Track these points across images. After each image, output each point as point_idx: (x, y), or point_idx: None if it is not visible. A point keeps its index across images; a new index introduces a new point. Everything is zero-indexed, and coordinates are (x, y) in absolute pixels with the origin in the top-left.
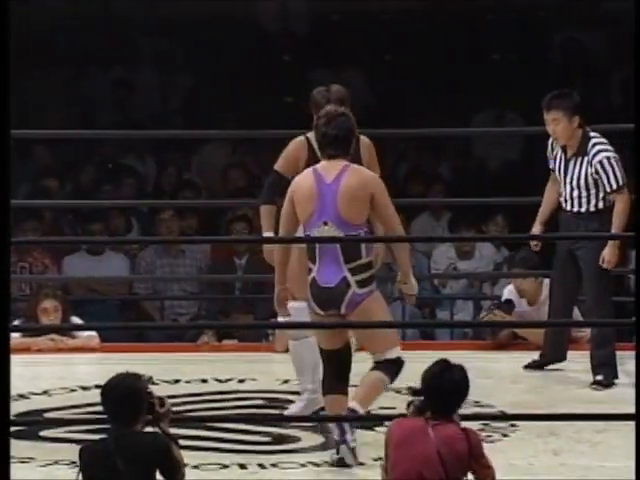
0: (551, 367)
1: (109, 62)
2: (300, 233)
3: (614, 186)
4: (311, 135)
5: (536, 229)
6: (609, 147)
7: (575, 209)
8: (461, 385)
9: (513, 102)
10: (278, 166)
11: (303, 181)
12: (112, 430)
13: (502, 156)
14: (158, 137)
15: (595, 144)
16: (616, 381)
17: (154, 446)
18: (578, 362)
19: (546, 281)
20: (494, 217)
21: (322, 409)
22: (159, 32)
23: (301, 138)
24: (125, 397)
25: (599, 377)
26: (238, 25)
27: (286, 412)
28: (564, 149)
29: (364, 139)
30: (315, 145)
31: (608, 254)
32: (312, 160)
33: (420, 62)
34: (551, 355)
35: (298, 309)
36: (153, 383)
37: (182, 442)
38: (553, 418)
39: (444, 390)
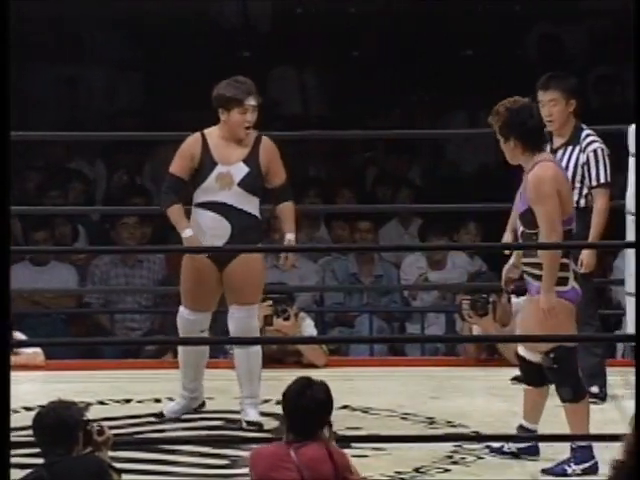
0: None
1: (53, 58)
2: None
3: (601, 179)
4: (208, 131)
5: (507, 237)
6: (602, 142)
7: None
8: (323, 404)
9: (488, 101)
10: (172, 169)
11: (559, 174)
12: (45, 458)
13: (476, 159)
14: (108, 139)
15: (588, 134)
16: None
17: (88, 472)
18: None
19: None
20: (467, 224)
21: (201, 406)
22: (108, 27)
23: (196, 135)
24: (55, 428)
25: (594, 389)
26: (194, 19)
27: (164, 410)
28: (550, 140)
29: (266, 139)
30: (211, 140)
31: (586, 257)
32: (206, 156)
33: (388, 58)
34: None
35: (189, 320)
36: (102, 403)
37: (132, 466)
38: (531, 439)
39: (305, 410)
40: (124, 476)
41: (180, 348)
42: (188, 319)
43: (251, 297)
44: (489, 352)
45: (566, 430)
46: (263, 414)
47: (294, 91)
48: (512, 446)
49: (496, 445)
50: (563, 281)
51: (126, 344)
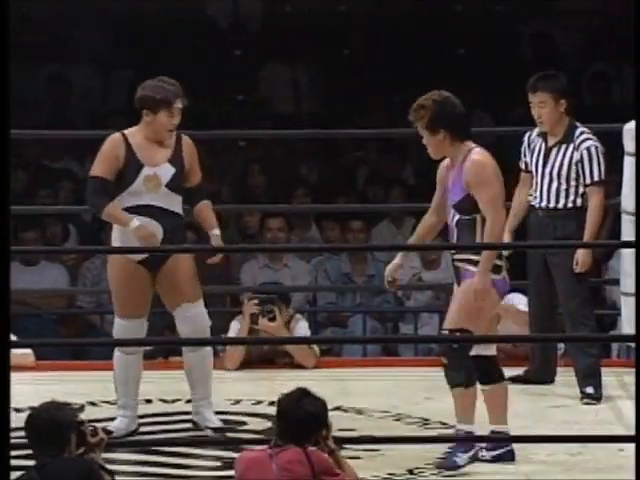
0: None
1: (41, 57)
2: None
3: (595, 177)
4: (129, 132)
5: (505, 238)
6: (597, 139)
7: (551, 204)
8: (316, 417)
9: (481, 100)
10: (96, 172)
11: (494, 161)
12: (36, 460)
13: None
14: (98, 138)
15: (582, 132)
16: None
17: (79, 473)
18: (559, 376)
19: (510, 296)
20: None
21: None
22: (98, 26)
23: (117, 135)
24: (47, 430)
25: (589, 389)
26: (185, 17)
27: (111, 427)
28: (545, 138)
29: (186, 138)
30: (134, 141)
31: (582, 256)
32: (131, 158)
33: (380, 57)
34: (536, 374)
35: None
36: (93, 404)
37: (123, 468)
38: (525, 440)
39: (298, 420)
40: (117, 478)
41: (121, 364)
42: (127, 326)
43: (195, 293)
44: None
45: (561, 431)
46: (256, 415)
47: (285, 89)
48: (486, 454)
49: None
50: (497, 269)
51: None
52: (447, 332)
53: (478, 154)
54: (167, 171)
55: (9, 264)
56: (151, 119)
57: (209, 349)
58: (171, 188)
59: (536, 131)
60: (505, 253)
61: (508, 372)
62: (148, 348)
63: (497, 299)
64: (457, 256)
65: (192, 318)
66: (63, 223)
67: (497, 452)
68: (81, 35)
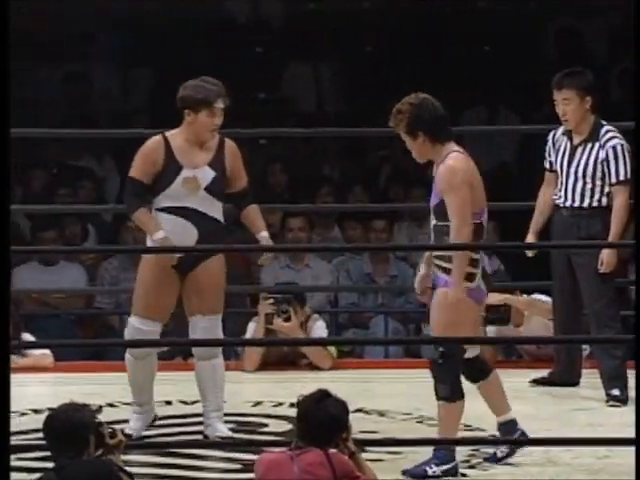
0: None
1: (61, 56)
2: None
3: (621, 176)
4: (170, 134)
5: (530, 239)
6: (622, 137)
7: (576, 204)
8: (337, 419)
9: (507, 98)
10: (133, 173)
11: (471, 165)
12: (55, 462)
13: (495, 157)
14: (118, 137)
15: (608, 130)
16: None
17: (98, 476)
18: (584, 378)
19: (533, 296)
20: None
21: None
22: (117, 24)
23: (158, 137)
24: (65, 431)
25: (615, 391)
26: (206, 15)
27: (127, 429)
28: (570, 137)
29: (229, 142)
30: (175, 143)
31: (607, 256)
32: (171, 160)
33: (404, 54)
34: (561, 376)
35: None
36: (111, 405)
37: (142, 470)
38: (550, 443)
39: (319, 423)
40: None
41: (132, 368)
42: (140, 329)
43: (214, 306)
44: (505, 354)
45: (586, 433)
46: (277, 416)
47: (308, 87)
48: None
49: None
50: (470, 277)
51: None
52: (433, 347)
53: (452, 159)
54: (207, 174)
55: (9, 264)
56: (192, 119)
57: (220, 359)
58: (210, 192)
59: (561, 130)
60: (487, 267)
61: (533, 374)
62: (165, 349)
63: (474, 306)
64: (434, 261)
65: (204, 330)
66: (82, 223)
67: (445, 467)
68: (105, 34)
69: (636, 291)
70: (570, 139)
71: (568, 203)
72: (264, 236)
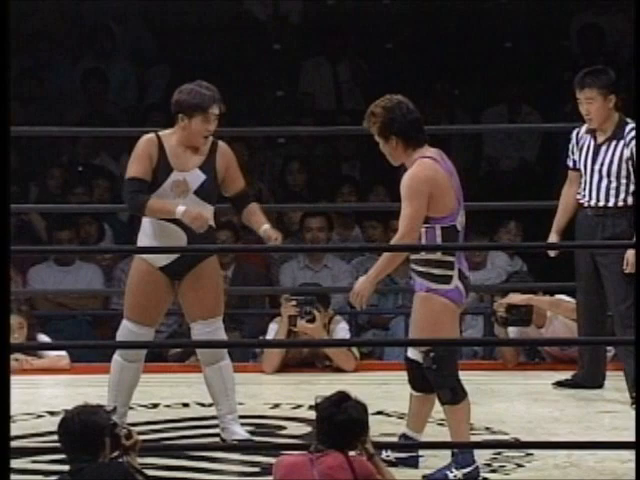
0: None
1: (77, 53)
2: None
3: None
4: (163, 134)
5: (552, 239)
6: None
7: (601, 203)
8: (357, 422)
9: (529, 95)
10: (132, 173)
11: (438, 172)
12: (71, 465)
13: (516, 156)
14: (134, 134)
15: (633, 128)
16: None
17: (115, 478)
18: (608, 380)
19: (557, 297)
20: (507, 223)
21: None
22: (134, 20)
23: (151, 136)
24: (81, 434)
25: None
26: (224, 12)
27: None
28: (594, 135)
29: (222, 146)
30: (168, 144)
31: (632, 256)
32: (163, 161)
33: (424, 51)
34: (585, 378)
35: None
36: (129, 408)
37: (160, 473)
38: (573, 446)
39: (338, 425)
40: None
41: (117, 369)
42: (133, 332)
43: (214, 308)
44: (528, 356)
45: (610, 437)
46: (296, 419)
47: (327, 85)
48: (391, 455)
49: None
50: (446, 279)
51: (151, 347)
52: (426, 355)
53: (418, 165)
54: (197, 177)
55: (9, 264)
56: (185, 124)
57: (227, 361)
58: (200, 195)
59: (584, 128)
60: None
61: (556, 376)
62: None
63: (453, 308)
64: (411, 265)
65: (207, 336)
66: (98, 222)
67: (467, 470)
68: (121, 31)
69: (636, 291)
70: (594, 137)
71: (592, 202)
72: (266, 228)
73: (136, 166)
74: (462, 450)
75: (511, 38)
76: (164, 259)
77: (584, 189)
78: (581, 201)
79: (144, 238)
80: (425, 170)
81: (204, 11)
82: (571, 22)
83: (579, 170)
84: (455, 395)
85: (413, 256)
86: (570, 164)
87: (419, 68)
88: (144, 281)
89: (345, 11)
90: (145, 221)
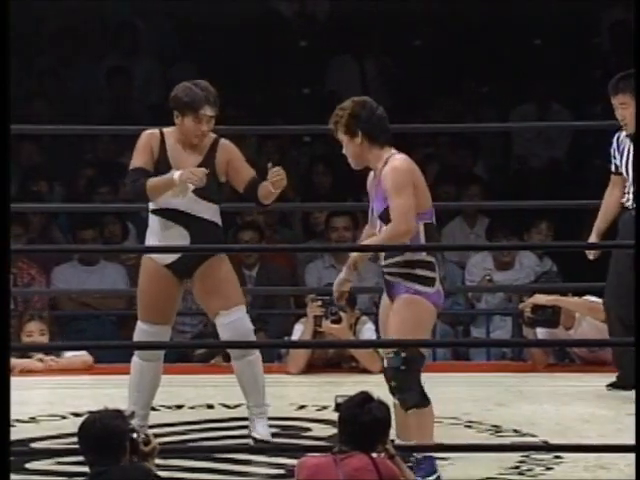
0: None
1: (102, 51)
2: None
3: None
4: (167, 130)
5: (593, 238)
6: None
7: None
8: (380, 422)
9: (558, 93)
10: (135, 164)
11: (415, 166)
12: (90, 468)
13: (546, 154)
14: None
15: None
16: None
17: None
18: None
19: (586, 298)
20: (537, 223)
21: None
22: (160, 18)
23: (154, 131)
24: (102, 438)
25: None
26: (250, 9)
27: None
28: (633, 139)
29: (224, 143)
30: (169, 141)
31: None
32: (163, 157)
33: (451, 49)
34: (626, 379)
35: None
36: (153, 409)
37: (184, 475)
38: (602, 449)
39: (361, 426)
40: None
41: (136, 370)
42: (146, 331)
43: (235, 298)
44: (557, 357)
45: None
46: (321, 421)
47: (353, 83)
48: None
49: None
50: (430, 282)
51: (176, 348)
52: (395, 355)
53: (397, 161)
54: None
55: (9, 264)
56: (179, 121)
57: (256, 355)
58: (198, 194)
59: (624, 132)
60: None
61: (585, 378)
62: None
63: (433, 310)
64: (386, 269)
65: (231, 324)
66: (122, 222)
67: (430, 478)
68: (147, 29)
69: (636, 291)
70: (633, 141)
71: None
72: (266, 183)
73: (137, 158)
74: (425, 456)
75: (540, 35)
76: (169, 256)
77: (628, 192)
78: (626, 204)
79: (151, 236)
80: (405, 163)
81: (230, 8)
82: (602, 19)
83: (621, 174)
84: (423, 397)
85: (391, 260)
86: (612, 168)
87: (446, 66)
88: (151, 280)
89: (371, 9)
90: (152, 219)
